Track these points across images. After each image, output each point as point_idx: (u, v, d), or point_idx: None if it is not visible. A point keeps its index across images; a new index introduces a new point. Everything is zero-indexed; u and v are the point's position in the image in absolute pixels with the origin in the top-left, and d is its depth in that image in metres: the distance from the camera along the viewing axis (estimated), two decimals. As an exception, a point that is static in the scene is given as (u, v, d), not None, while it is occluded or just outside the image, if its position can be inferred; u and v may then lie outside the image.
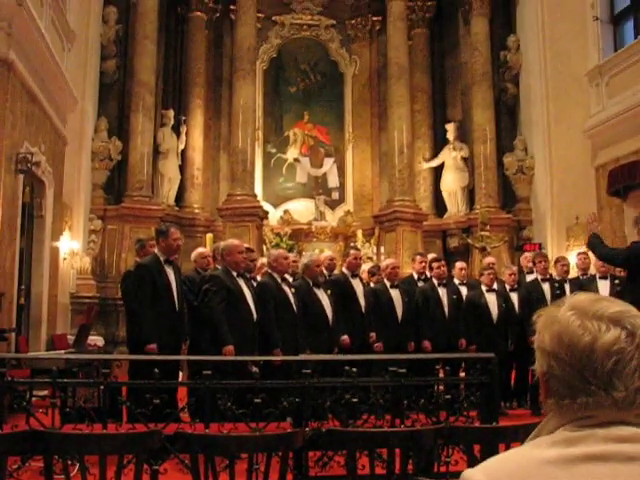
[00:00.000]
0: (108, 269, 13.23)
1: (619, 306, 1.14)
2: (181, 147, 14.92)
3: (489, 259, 9.42)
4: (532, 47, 14.39)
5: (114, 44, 14.01)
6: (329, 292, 7.09)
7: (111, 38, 13.92)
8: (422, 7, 16.08)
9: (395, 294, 7.80)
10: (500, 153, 14.83)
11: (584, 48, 12.14)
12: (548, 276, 8.31)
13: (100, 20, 13.80)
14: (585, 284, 7.97)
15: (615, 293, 7.44)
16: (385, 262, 8.53)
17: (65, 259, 11.61)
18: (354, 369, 4.34)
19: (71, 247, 11.89)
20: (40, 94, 9.23)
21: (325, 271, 7.75)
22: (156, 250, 6.20)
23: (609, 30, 11.82)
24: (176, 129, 14.87)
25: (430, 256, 8.99)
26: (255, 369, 4.64)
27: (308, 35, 16.76)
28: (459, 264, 8.79)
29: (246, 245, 7.19)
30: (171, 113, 14.82)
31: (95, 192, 13.54)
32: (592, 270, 8.34)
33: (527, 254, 9.71)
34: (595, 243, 6.30)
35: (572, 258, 10.04)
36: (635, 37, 11.13)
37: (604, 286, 7.86)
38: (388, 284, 7.85)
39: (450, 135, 15.45)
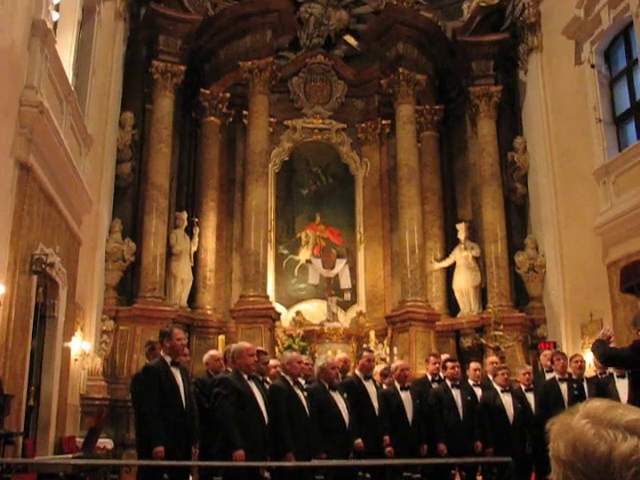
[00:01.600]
0: (119, 370, 13.09)
1: (635, 414, 1.11)
2: (194, 249, 14.99)
3: (492, 358, 9.34)
4: (539, 148, 14.65)
5: (130, 148, 14.32)
6: (345, 395, 7.00)
7: (127, 142, 14.24)
8: (430, 110, 16.48)
9: (405, 396, 7.68)
10: (511, 252, 14.83)
11: (589, 148, 12.35)
12: (567, 375, 8.20)
13: (117, 125, 14.17)
14: (603, 383, 7.83)
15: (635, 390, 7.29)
16: (395, 364, 8.44)
17: (76, 360, 11.51)
18: (367, 474, 4.24)
19: (83, 348, 11.82)
20: (57, 197, 9.40)
21: (339, 373, 7.68)
22: (162, 352, 6.19)
23: (612, 131, 12.06)
24: (189, 231, 14.98)
25: (444, 357, 8.92)
26: (267, 474, 4.55)
27: (319, 138, 17.11)
28: (473, 365, 8.70)
29: (258, 347, 7.20)
30: (184, 215, 14.95)
31: (108, 293, 13.56)
32: (610, 368, 8.20)
33: (547, 352, 9.59)
34: (598, 344, 6.20)
35: (588, 356, 9.89)
36: (637, 138, 11.37)
37: (623, 385, 7.67)
38: (398, 386, 7.75)
39: (461, 235, 15.49)
